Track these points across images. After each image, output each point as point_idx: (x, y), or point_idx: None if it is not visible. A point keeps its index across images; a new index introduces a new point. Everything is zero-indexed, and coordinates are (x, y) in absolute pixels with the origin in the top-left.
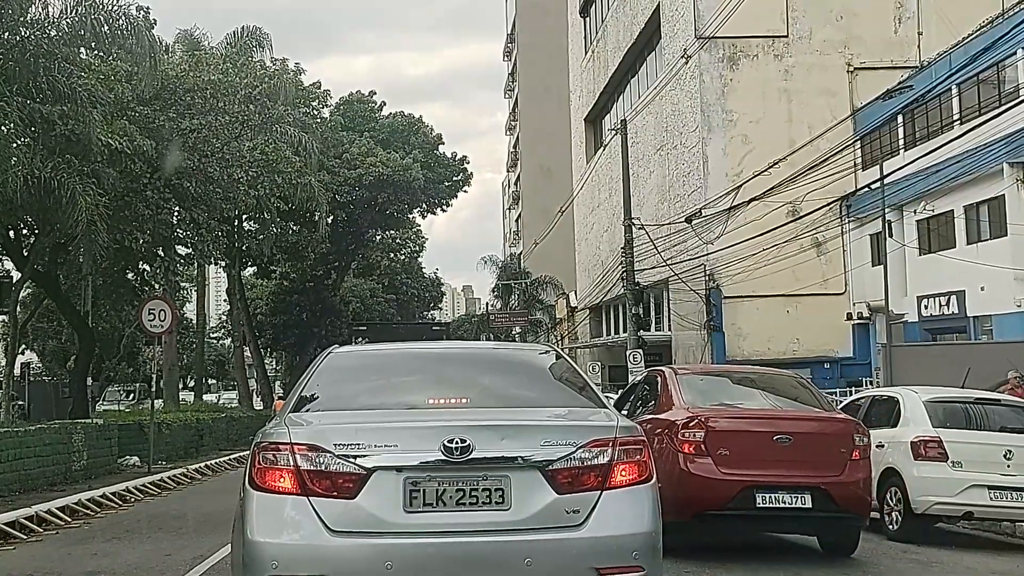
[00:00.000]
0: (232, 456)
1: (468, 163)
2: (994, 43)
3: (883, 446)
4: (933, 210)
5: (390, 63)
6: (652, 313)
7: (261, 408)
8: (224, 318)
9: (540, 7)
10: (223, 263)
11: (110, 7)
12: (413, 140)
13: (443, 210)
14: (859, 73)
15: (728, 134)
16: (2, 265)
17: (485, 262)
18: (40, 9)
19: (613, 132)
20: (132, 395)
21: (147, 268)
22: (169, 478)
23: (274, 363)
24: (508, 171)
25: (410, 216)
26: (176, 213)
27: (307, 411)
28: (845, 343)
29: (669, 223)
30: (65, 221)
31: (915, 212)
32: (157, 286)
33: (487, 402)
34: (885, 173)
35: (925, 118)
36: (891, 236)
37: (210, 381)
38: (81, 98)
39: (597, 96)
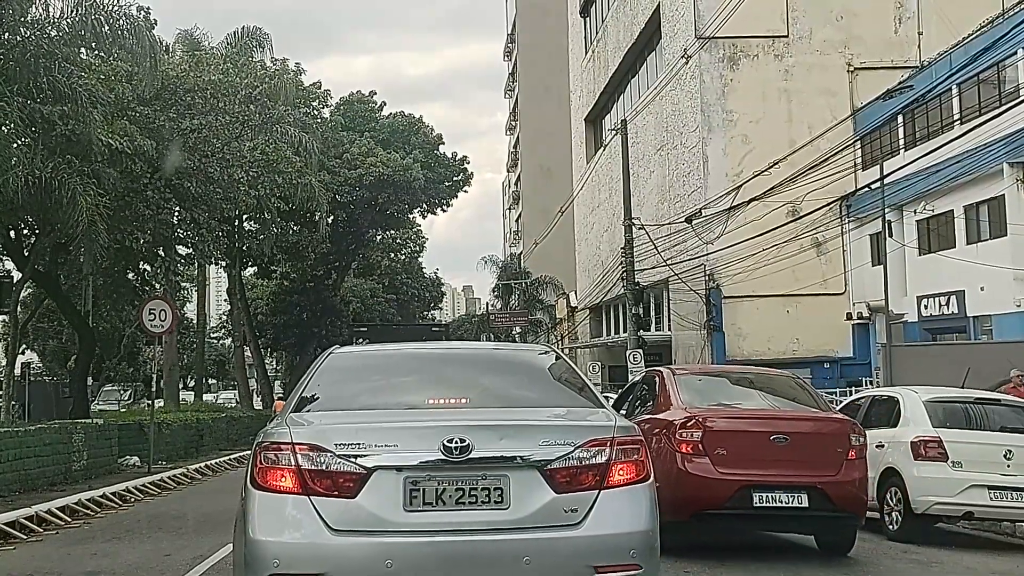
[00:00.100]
0: (232, 456)
1: (468, 163)
2: (994, 43)
3: (883, 446)
4: (933, 210)
5: (390, 63)
6: (652, 313)
7: (261, 408)
8: (224, 318)
9: (540, 7)
10: (223, 263)
11: (110, 7)
12: (413, 140)
13: (443, 210)
14: (859, 73)
15: (728, 134)
16: (3, 265)
17: (485, 262)
18: (41, 9)
19: (613, 132)
20: (128, 395)
21: (148, 268)
22: (169, 478)
23: (274, 363)
24: (508, 171)
25: (410, 216)
26: (177, 213)
27: (308, 411)
28: (845, 343)
29: (669, 223)
30: (65, 221)
31: (915, 212)
32: (158, 286)
33: (486, 402)
34: (885, 173)
35: (925, 118)
36: (891, 236)
37: (210, 381)
38: (81, 98)
39: (597, 96)
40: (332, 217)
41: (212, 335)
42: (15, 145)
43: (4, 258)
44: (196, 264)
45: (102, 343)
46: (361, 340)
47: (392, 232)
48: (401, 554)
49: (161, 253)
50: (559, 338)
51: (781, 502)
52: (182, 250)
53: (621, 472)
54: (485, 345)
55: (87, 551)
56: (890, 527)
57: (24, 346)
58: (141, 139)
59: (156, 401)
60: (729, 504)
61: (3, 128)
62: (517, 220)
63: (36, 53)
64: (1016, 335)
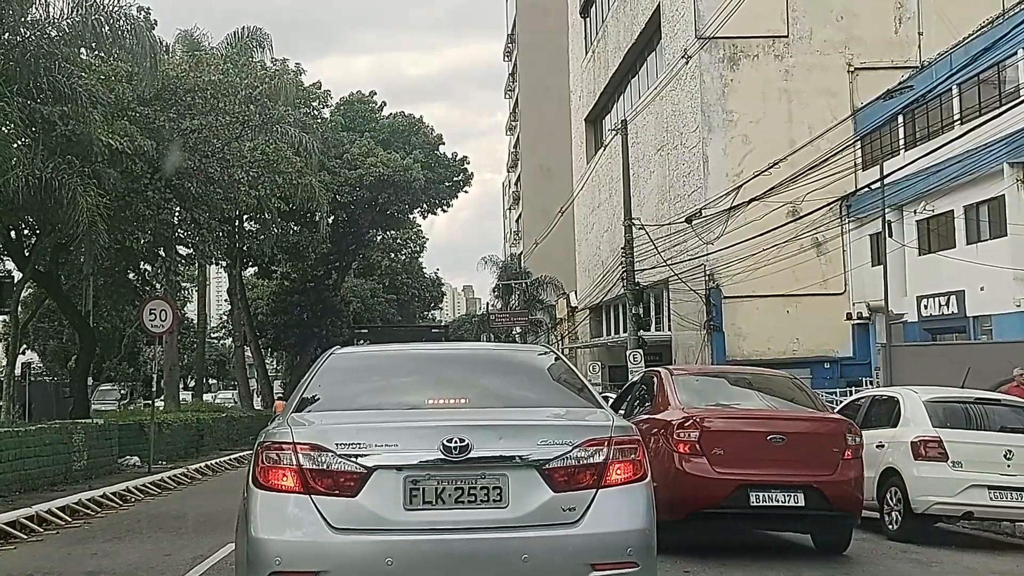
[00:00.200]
0: (232, 456)
1: (468, 163)
2: (994, 43)
3: (883, 446)
4: (933, 210)
5: (390, 63)
6: (652, 313)
7: (261, 408)
8: (225, 318)
9: (540, 7)
10: (224, 263)
11: (110, 7)
12: (413, 140)
13: (443, 210)
14: (859, 73)
15: (728, 134)
16: (3, 265)
17: (485, 262)
18: (41, 10)
19: (613, 132)
20: (124, 395)
21: (148, 268)
22: (169, 478)
23: (274, 363)
24: (508, 171)
25: (410, 216)
26: (177, 213)
27: (309, 411)
28: (845, 343)
29: (669, 223)
30: (66, 221)
31: (915, 212)
32: (158, 286)
33: (486, 402)
34: (885, 173)
35: (925, 118)
36: (891, 236)
37: (211, 381)
38: (82, 98)
39: (597, 96)
40: (332, 217)
41: (212, 335)
42: (15, 145)
43: (5, 258)
44: (196, 264)
45: (103, 343)
46: (362, 341)
47: (392, 232)
48: (401, 552)
49: (161, 253)
50: (559, 338)
51: (778, 501)
52: (182, 250)
53: (618, 471)
54: (485, 345)
55: (87, 551)
56: (890, 527)
57: (25, 346)
58: (141, 139)
59: (156, 401)
60: (726, 503)
61: (3, 128)
62: (517, 220)
63: (36, 53)
64: (1016, 335)
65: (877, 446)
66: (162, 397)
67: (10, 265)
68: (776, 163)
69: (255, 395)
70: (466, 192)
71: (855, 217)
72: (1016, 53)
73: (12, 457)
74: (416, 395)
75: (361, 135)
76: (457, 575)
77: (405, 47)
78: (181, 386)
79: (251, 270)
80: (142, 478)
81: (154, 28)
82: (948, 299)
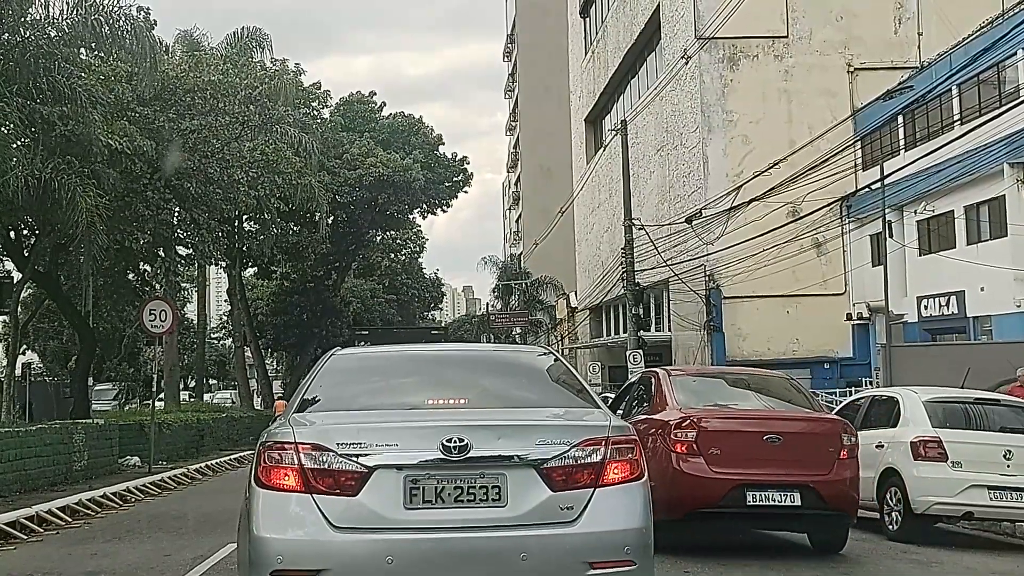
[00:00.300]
0: (232, 456)
1: (468, 163)
2: (994, 43)
3: (883, 446)
4: (933, 210)
5: (390, 63)
6: (652, 313)
7: (262, 408)
8: (225, 318)
9: (540, 7)
10: (224, 264)
11: (110, 8)
12: (413, 140)
13: (443, 210)
14: (859, 73)
15: (728, 134)
16: (3, 266)
17: (485, 262)
18: (40, 10)
19: (613, 132)
20: (118, 394)
21: (148, 268)
22: (169, 478)
23: (274, 363)
24: (508, 171)
25: (410, 216)
26: (176, 214)
27: (311, 412)
28: (845, 343)
29: (669, 223)
30: (65, 222)
31: (915, 212)
32: (158, 286)
33: (485, 403)
34: (885, 173)
35: (925, 118)
36: (891, 236)
37: (211, 381)
38: (81, 99)
39: (597, 96)
40: (332, 217)
41: (212, 335)
42: (15, 145)
43: (4, 258)
44: (196, 265)
45: (102, 343)
46: (362, 342)
47: (392, 232)
48: (401, 550)
49: (161, 253)
50: (559, 339)
51: (774, 501)
52: (182, 250)
53: (616, 471)
54: (484, 346)
55: (87, 551)
56: (890, 527)
57: (25, 346)
58: (141, 139)
59: (156, 401)
60: (723, 503)
61: (3, 128)
62: (517, 220)
63: (36, 53)
64: (1016, 335)
65: (877, 446)
66: (162, 397)
67: (10, 265)
68: (776, 163)
69: (255, 395)
70: (466, 192)
71: (855, 217)
72: (1016, 53)
73: (12, 457)
74: (416, 395)
75: (361, 135)
76: (457, 573)
77: (405, 47)
78: (181, 386)
79: (251, 270)
80: (142, 478)
81: (154, 28)
82: (948, 299)
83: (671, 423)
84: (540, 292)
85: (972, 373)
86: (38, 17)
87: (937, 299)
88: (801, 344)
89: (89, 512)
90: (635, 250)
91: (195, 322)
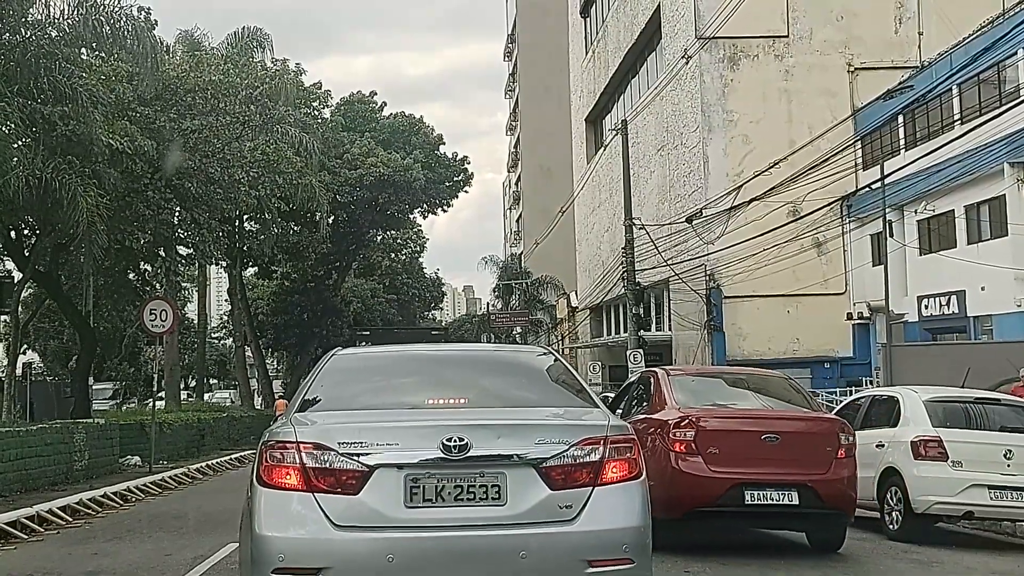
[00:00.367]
0: (233, 456)
1: (469, 163)
2: (994, 43)
3: (883, 446)
4: (934, 210)
5: (390, 63)
6: (652, 313)
7: (262, 408)
8: (225, 318)
9: (540, 7)
10: (224, 263)
11: (111, 8)
12: (414, 140)
13: (444, 210)
14: (859, 73)
15: (728, 134)
16: (3, 265)
17: (486, 262)
18: (41, 9)
19: (614, 132)
20: (117, 392)
21: (148, 268)
22: (170, 478)
23: (275, 363)
24: (508, 171)
25: (411, 216)
26: (177, 213)
27: (312, 411)
28: (845, 343)
29: (669, 223)
30: (66, 221)
31: (916, 212)
32: (158, 286)
33: (485, 402)
34: (886, 173)
35: (926, 118)
36: (891, 236)
37: (211, 381)
38: (82, 98)
39: (597, 96)
40: (332, 217)
41: (213, 335)
42: (15, 145)
43: (5, 258)
44: (197, 264)
45: (103, 343)
46: (363, 342)
47: (392, 232)
48: (402, 549)
49: (162, 253)
50: (560, 338)
51: (772, 500)
52: (183, 250)
53: (614, 470)
54: (484, 346)
55: (88, 551)
56: (890, 527)
57: (25, 346)
58: (142, 139)
59: (157, 401)
60: (721, 502)
61: (3, 128)
62: (517, 220)
63: (37, 53)
64: (1016, 335)
65: (877, 446)
66: (162, 396)
67: (10, 265)
68: (776, 163)
69: (255, 395)
70: (466, 192)
71: (855, 217)
72: (1016, 53)
73: (13, 457)
74: (416, 395)
75: (361, 135)
76: (456, 572)
77: (405, 47)
78: (181, 386)
79: (251, 270)
80: (143, 478)
81: (154, 28)
82: (949, 299)
83: (670, 422)
84: (540, 292)
85: (972, 373)
86: (39, 17)
87: (937, 299)
88: (801, 344)
89: (90, 512)
90: (635, 250)
91: (196, 322)
